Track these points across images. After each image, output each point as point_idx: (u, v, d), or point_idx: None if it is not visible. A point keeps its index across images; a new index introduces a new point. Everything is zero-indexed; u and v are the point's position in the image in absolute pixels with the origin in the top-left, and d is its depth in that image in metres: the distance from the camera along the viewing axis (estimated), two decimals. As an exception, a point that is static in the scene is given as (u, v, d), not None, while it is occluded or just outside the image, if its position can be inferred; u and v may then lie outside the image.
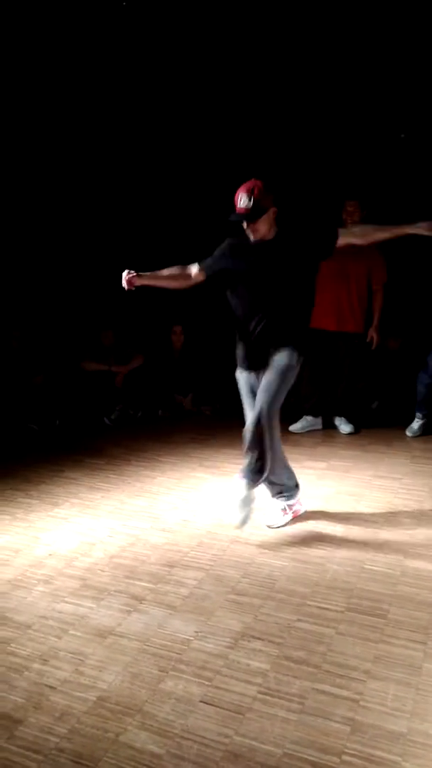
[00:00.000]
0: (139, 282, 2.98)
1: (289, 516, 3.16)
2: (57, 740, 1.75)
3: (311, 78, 5.41)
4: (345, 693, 1.90)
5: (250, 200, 2.78)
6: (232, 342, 3.13)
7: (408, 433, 4.70)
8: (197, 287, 3.09)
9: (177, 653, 2.11)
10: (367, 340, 4.75)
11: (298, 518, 3.19)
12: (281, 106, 5.68)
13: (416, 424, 4.73)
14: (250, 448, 2.89)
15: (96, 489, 3.72)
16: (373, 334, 4.72)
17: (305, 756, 1.66)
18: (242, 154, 5.67)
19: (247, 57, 5.23)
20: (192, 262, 3.06)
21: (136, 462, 4.23)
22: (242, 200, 2.80)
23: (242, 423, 3.04)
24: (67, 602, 2.45)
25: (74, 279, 6.11)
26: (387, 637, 2.17)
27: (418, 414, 4.74)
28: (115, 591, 2.53)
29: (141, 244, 6.49)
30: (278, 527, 3.10)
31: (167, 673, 2.02)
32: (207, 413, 5.56)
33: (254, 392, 2.99)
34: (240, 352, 3.07)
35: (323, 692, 1.90)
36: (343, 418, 4.90)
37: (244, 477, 2.89)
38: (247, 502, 2.88)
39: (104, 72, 5.43)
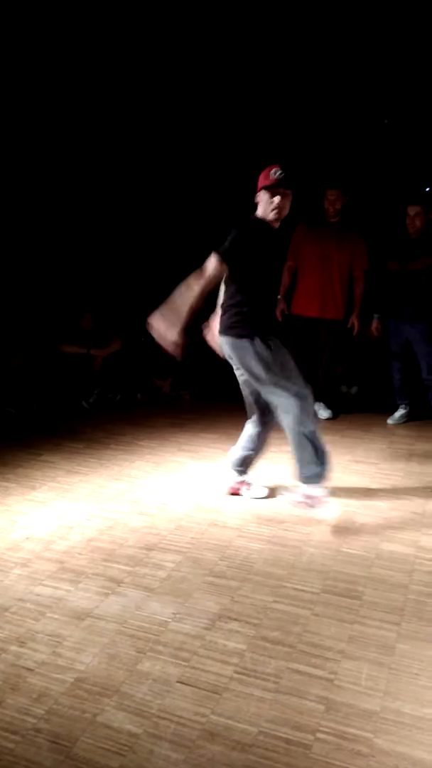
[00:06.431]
0: None
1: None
2: (34, 721, 1.75)
3: (291, 66, 5.39)
4: (320, 672, 1.93)
5: None
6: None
7: (390, 421, 4.73)
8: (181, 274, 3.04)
9: (154, 635, 2.13)
10: (348, 327, 4.78)
11: (275, 501, 3.22)
12: (265, 95, 5.65)
13: (398, 413, 4.75)
14: None
15: (74, 473, 3.71)
16: (354, 320, 4.75)
17: (280, 734, 1.69)
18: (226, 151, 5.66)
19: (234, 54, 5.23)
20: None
21: (114, 446, 4.22)
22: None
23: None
24: (44, 585, 2.45)
25: (53, 262, 6.03)
26: (361, 618, 2.21)
27: (400, 404, 4.76)
28: (92, 574, 2.53)
29: (122, 227, 6.43)
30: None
31: (144, 654, 2.03)
32: (186, 398, 5.56)
33: None
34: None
35: (298, 672, 1.94)
36: (321, 404, 4.93)
37: None
38: None
39: (104, 70, 5.36)
